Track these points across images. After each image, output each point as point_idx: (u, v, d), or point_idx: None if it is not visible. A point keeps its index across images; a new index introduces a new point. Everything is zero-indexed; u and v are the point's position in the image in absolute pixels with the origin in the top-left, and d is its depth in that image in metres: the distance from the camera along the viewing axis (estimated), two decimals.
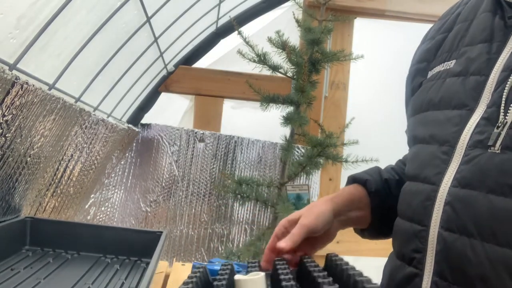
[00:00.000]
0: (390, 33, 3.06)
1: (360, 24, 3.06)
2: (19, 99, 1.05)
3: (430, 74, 0.76)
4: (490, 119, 0.60)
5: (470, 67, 0.66)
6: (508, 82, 0.60)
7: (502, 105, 0.59)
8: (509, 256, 0.55)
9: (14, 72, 1.03)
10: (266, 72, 2.38)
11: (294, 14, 2.37)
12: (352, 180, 0.87)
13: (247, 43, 2.29)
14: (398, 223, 0.74)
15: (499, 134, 0.58)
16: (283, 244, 0.73)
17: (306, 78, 2.29)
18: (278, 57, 2.33)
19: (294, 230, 0.75)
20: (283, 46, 2.28)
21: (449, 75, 0.70)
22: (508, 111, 0.58)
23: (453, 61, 0.70)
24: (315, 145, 2.30)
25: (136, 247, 1.18)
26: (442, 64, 0.73)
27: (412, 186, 0.71)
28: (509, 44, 0.63)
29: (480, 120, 0.62)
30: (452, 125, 0.65)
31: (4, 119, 1.03)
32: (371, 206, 0.83)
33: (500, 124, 0.59)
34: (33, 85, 1.09)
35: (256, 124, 3.02)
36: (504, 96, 0.60)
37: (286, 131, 2.38)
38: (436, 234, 0.63)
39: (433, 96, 0.71)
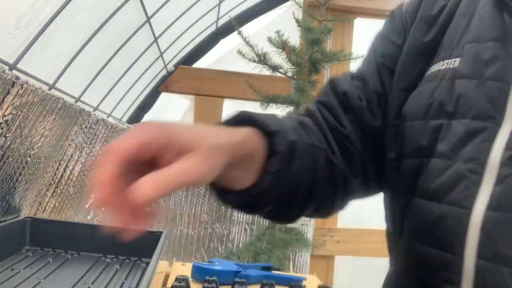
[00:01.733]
0: None
1: (360, 24, 3.06)
2: (19, 99, 1.05)
3: (427, 73, 0.67)
4: None
5: (484, 70, 0.59)
6: None
7: None
8: None
9: (14, 72, 1.04)
10: (266, 72, 2.38)
11: (294, 14, 2.37)
12: (250, 121, 0.56)
13: (247, 43, 2.29)
14: (416, 248, 0.64)
15: None
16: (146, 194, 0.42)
17: (306, 78, 2.29)
18: (278, 57, 2.33)
19: (172, 175, 0.42)
20: (283, 46, 2.28)
21: (456, 76, 0.61)
22: None
23: (457, 59, 0.62)
24: None
25: (136, 247, 1.18)
26: (442, 62, 0.65)
27: (435, 208, 0.61)
28: None
29: (511, 135, 0.55)
30: (478, 140, 0.57)
31: (4, 119, 1.03)
32: (268, 169, 0.56)
33: None
34: (33, 85, 1.09)
35: None
36: None
37: None
38: (473, 264, 0.56)
39: (443, 102, 0.62)
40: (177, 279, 0.65)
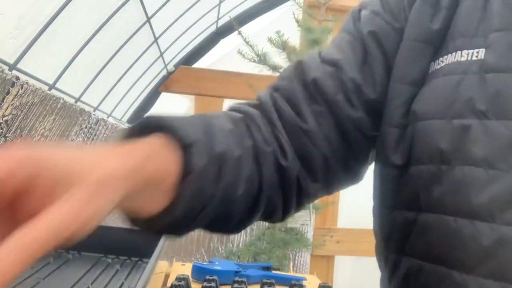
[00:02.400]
0: None
1: None
2: (19, 99, 1.05)
3: (437, 65, 0.57)
4: None
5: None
6: None
7: None
8: None
9: (14, 72, 1.04)
10: (266, 72, 2.38)
11: (294, 14, 2.37)
12: (160, 128, 0.44)
13: (247, 43, 2.29)
14: (453, 280, 0.51)
15: None
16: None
17: None
18: (278, 57, 2.33)
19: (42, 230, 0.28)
20: (283, 46, 2.28)
21: (487, 70, 0.52)
22: None
23: (481, 50, 0.53)
24: None
25: (137, 247, 1.18)
26: (460, 52, 0.55)
27: (485, 230, 0.50)
28: None
29: None
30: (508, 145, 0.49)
31: (4, 119, 1.03)
32: (182, 193, 0.44)
33: None
34: (33, 85, 1.09)
35: None
36: None
37: None
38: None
39: (474, 97, 0.52)
40: (177, 278, 0.65)
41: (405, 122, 0.57)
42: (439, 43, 0.57)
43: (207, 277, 0.96)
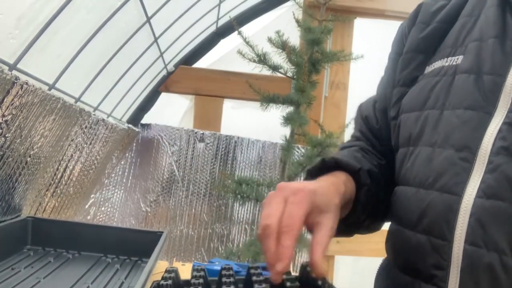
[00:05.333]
0: (389, 33, 3.06)
1: (360, 24, 3.06)
2: (19, 99, 1.05)
3: (428, 69, 0.70)
4: None
5: (482, 65, 0.62)
6: None
7: None
8: None
9: (14, 72, 1.04)
10: (266, 72, 2.38)
11: (294, 14, 2.37)
12: (335, 164, 0.70)
13: (247, 43, 2.29)
14: (404, 235, 0.66)
15: None
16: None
17: (306, 78, 2.29)
18: (278, 57, 2.33)
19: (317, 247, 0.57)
20: (283, 46, 2.28)
21: (457, 72, 0.65)
22: None
23: (460, 57, 0.66)
24: (315, 145, 2.30)
25: (136, 247, 1.18)
26: (445, 59, 0.68)
27: (424, 195, 0.63)
28: None
29: (502, 125, 0.58)
30: (470, 129, 0.60)
31: (4, 119, 1.03)
32: (361, 201, 0.70)
33: None
34: (33, 85, 1.09)
35: (256, 124, 3.02)
36: None
37: (286, 131, 2.38)
38: (461, 249, 0.57)
39: (440, 95, 0.65)
40: (166, 271, 0.66)
41: (397, 116, 0.74)
42: (430, 48, 0.72)
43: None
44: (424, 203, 0.63)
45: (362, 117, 0.85)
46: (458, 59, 0.66)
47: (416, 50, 0.73)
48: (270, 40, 2.30)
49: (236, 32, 2.32)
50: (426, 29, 0.73)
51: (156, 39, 2.10)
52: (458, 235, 0.58)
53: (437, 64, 0.69)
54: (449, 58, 0.67)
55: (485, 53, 0.63)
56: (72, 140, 1.59)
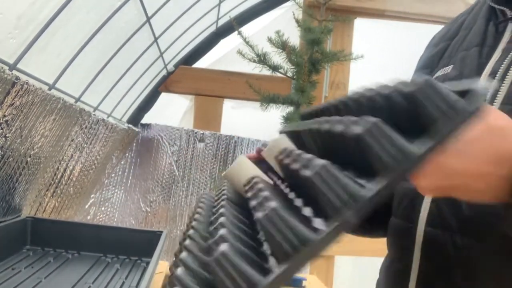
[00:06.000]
0: (389, 33, 3.06)
1: (360, 24, 3.06)
2: (19, 99, 1.05)
3: None
4: None
5: (464, 71, 0.69)
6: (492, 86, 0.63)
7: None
8: (491, 252, 0.57)
9: (14, 72, 1.04)
10: (266, 72, 2.38)
11: (294, 14, 2.37)
12: None
13: (247, 43, 2.29)
14: (392, 222, 0.75)
15: None
16: None
17: (306, 78, 2.29)
18: (278, 57, 2.33)
19: None
20: (283, 46, 2.28)
21: (446, 79, 0.71)
22: None
23: (451, 66, 0.73)
24: None
25: (136, 247, 1.19)
26: (442, 69, 0.75)
27: (404, 185, 0.71)
28: (498, 49, 0.66)
29: None
30: None
31: (4, 119, 1.03)
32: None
33: None
34: (33, 85, 1.09)
35: (256, 124, 3.02)
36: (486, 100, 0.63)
37: None
38: (422, 230, 0.65)
39: None
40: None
41: None
42: (434, 65, 0.79)
43: None
44: (401, 192, 0.71)
45: None
46: (449, 68, 0.73)
47: (423, 67, 0.82)
48: (270, 40, 2.30)
49: (236, 32, 2.32)
50: (435, 48, 0.82)
51: (156, 39, 2.10)
52: (421, 218, 0.65)
53: (435, 75, 0.76)
54: (444, 68, 0.75)
55: (468, 60, 0.69)
56: (72, 140, 1.59)
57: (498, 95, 0.62)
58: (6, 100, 1.00)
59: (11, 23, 1.04)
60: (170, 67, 2.80)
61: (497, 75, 0.64)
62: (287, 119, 2.27)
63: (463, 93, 0.41)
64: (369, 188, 0.35)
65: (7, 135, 1.07)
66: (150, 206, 2.77)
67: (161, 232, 1.18)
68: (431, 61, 0.80)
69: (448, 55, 0.77)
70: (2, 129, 1.04)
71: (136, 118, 2.73)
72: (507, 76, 0.63)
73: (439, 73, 0.75)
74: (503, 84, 0.62)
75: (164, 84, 2.85)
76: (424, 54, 0.85)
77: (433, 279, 0.63)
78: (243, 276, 0.32)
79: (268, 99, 2.30)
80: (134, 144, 2.74)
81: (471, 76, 0.66)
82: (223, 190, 0.63)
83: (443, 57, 0.78)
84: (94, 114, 1.71)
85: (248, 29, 2.66)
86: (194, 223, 0.52)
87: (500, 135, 0.45)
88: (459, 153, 0.43)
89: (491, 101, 0.62)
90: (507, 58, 0.64)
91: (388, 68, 2.86)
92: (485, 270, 0.58)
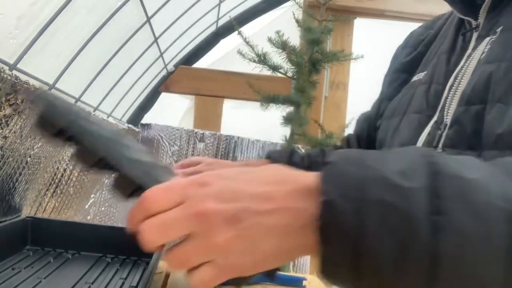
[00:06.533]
0: (389, 33, 3.06)
1: (360, 24, 3.06)
2: (19, 99, 1.05)
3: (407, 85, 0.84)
4: (437, 122, 0.67)
5: (433, 76, 0.73)
6: (453, 88, 0.67)
7: (445, 108, 0.67)
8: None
9: (14, 72, 1.04)
10: (266, 72, 2.38)
11: (294, 14, 2.37)
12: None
13: (247, 43, 2.30)
14: None
15: (441, 135, 0.65)
16: None
17: (306, 78, 2.29)
18: (278, 57, 2.33)
19: (189, 169, 0.93)
20: (283, 46, 2.28)
21: (418, 85, 0.76)
22: (448, 113, 0.66)
23: (425, 72, 0.77)
24: (315, 145, 2.30)
25: (136, 246, 1.18)
26: (417, 75, 0.80)
27: None
28: (464, 57, 0.69)
29: (432, 124, 0.68)
30: (412, 129, 0.72)
31: (4, 119, 1.03)
32: None
33: (442, 126, 0.66)
34: (34, 85, 1.09)
35: (256, 124, 3.02)
36: (444, 100, 0.68)
37: (286, 131, 2.38)
38: None
39: (404, 104, 0.78)
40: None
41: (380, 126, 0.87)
42: (413, 70, 0.83)
43: None
44: None
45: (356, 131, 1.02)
46: (422, 74, 0.78)
47: (401, 70, 0.87)
48: (270, 40, 2.30)
49: (236, 32, 2.32)
50: (412, 54, 0.86)
51: (156, 39, 2.10)
52: None
53: (413, 79, 0.81)
54: (419, 74, 0.79)
55: (438, 66, 0.73)
56: None
57: (456, 93, 0.66)
58: (6, 100, 1.00)
59: (12, 23, 1.05)
60: (170, 67, 2.80)
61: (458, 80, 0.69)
62: (287, 119, 2.27)
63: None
64: None
65: (7, 135, 1.07)
66: None
67: None
68: (409, 67, 0.84)
69: (424, 61, 0.81)
70: (2, 129, 1.04)
71: (136, 118, 2.73)
72: (462, 80, 0.67)
73: (415, 78, 0.79)
74: (458, 88, 0.66)
75: (164, 84, 2.85)
76: (401, 52, 0.90)
77: None
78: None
79: (268, 99, 2.30)
80: None
81: (439, 80, 0.71)
82: None
83: (421, 63, 0.82)
84: (95, 114, 1.71)
85: (248, 29, 2.66)
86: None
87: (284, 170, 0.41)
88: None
89: (449, 99, 0.66)
90: (466, 65, 0.68)
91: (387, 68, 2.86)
92: None
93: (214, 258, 0.37)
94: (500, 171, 0.37)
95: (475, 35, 0.70)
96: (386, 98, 0.89)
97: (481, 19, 0.69)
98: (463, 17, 0.72)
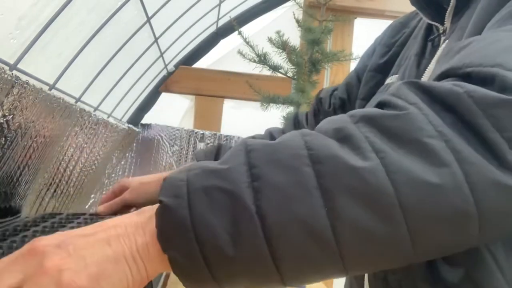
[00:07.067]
0: None
1: (360, 24, 3.06)
2: (19, 99, 1.05)
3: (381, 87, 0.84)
4: None
5: (404, 77, 0.74)
6: None
7: None
8: None
9: (15, 72, 1.04)
10: (266, 72, 2.38)
11: (294, 14, 2.37)
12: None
13: (247, 43, 2.30)
14: None
15: None
16: (101, 209, 0.96)
17: (306, 78, 2.29)
18: (278, 57, 2.33)
19: (117, 199, 0.96)
20: (283, 46, 2.28)
21: (390, 86, 0.77)
22: None
23: (397, 75, 0.78)
24: None
25: None
26: (391, 77, 0.80)
27: None
28: (433, 61, 0.69)
29: None
30: None
31: (4, 119, 1.03)
32: None
33: None
34: (34, 86, 1.09)
35: (256, 124, 3.02)
36: None
37: None
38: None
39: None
40: None
41: None
42: (387, 71, 0.84)
43: None
44: None
45: (317, 98, 1.05)
46: (395, 77, 0.78)
47: (376, 70, 0.89)
48: (270, 40, 2.30)
49: (236, 32, 2.32)
50: (387, 54, 0.88)
51: (156, 39, 2.10)
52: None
53: (387, 81, 0.81)
54: (392, 76, 0.80)
55: (409, 67, 0.74)
56: (72, 140, 1.59)
57: None
58: (6, 100, 1.00)
59: (12, 23, 1.05)
60: (171, 67, 2.80)
61: None
62: (287, 119, 2.27)
63: None
64: None
65: (7, 135, 1.07)
66: None
67: None
68: (385, 67, 0.85)
69: (398, 63, 0.82)
70: (2, 129, 1.04)
71: (136, 118, 2.73)
72: None
73: (388, 80, 0.80)
74: None
75: (165, 84, 2.85)
76: (376, 53, 0.91)
77: None
78: None
79: (268, 99, 2.30)
80: (134, 144, 2.74)
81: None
82: None
83: (395, 64, 0.83)
84: (95, 114, 1.71)
85: (248, 29, 2.66)
86: None
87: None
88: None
89: None
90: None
91: None
92: None
93: (55, 279, 0.37)
94: (309, 132, 0.42)
95: (442, 39, 0.70)
96: (361, 97, 0.91)
97: (447, 24, 0.70)
98: (431, 22, 0.73)
